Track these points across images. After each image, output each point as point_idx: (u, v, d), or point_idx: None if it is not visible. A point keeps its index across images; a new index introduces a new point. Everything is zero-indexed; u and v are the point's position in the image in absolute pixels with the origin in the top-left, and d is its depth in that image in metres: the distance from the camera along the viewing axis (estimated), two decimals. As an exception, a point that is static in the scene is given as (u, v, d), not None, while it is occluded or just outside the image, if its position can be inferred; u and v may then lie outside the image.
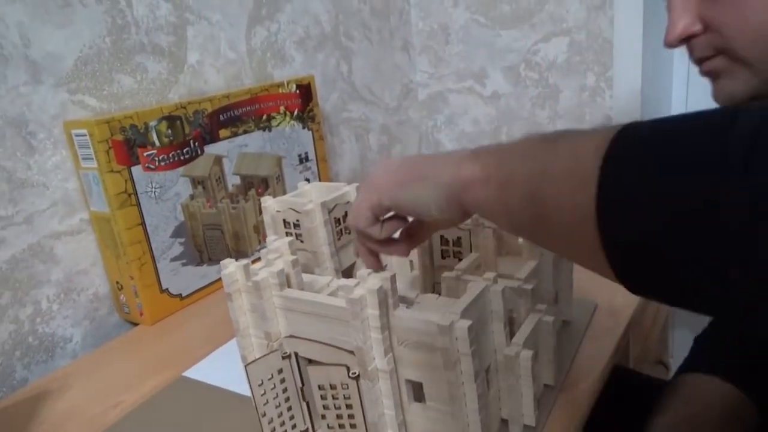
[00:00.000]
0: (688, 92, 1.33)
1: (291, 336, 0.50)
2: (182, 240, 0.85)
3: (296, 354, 0.49)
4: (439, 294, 0.60)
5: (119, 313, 0.84)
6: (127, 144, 0.76)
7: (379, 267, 0.51)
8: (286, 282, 0.50)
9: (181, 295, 0.85)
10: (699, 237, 0.27)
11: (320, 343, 0.48)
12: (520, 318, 0.54)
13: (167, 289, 0.83)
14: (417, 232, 0.52)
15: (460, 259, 0.62)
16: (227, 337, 0.73)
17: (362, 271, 0.47)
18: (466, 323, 0.42)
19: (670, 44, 0.55)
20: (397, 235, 0.51)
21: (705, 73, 0.56)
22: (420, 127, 1.54)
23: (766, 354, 0.66)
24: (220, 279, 0.90)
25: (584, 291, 0.68)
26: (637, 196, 0.30)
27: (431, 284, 0.66)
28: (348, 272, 0.69)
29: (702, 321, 0.78)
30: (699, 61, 0.55)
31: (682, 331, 1.43)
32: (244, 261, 0.54)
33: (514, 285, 0.53)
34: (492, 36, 1.36)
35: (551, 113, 1.35)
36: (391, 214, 0.49)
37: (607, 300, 0.69)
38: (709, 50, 0.53)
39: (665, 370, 1.21)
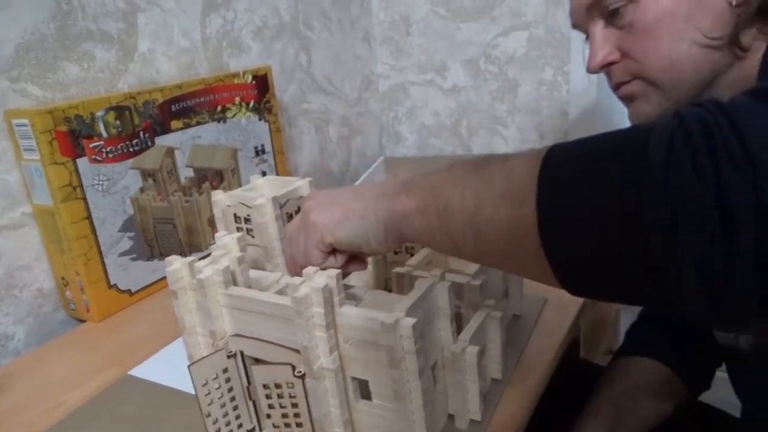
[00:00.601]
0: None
1: (236, 335, 0.49)
2: (132, 234, 0.82)
3: (242, 353, 0.49)
4: (391, 290, 0.60)
5: (65, 309, 0.81)
6: (71, 135, 0.73)
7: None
8: (231, 280, 0.49)
9: (130, 290, 0.83)
10: (628, 244, 0.30)
11: (266, 341, 0.47)
12: (468, 314, 0.54)
13: (116, 284, 0.81)
14: (361, 251, 0.53)
15: (412, 255, 0.62)
16: (176, 334, 0.71)
17: (309, 268, 0.46)
18: (410, 321, 0.42)
19: (592, 71, 0.60)
20: None
21: (622, 96, 0.61)
22: (381, 118, 1.54)
23: (692, 336, 0.70)
24: (172, 273, 0.88)
25: (534, 286, 0.68)
26: (572, 210, 0.33)
27: (384, 280, 0.66)
28: (300, 267, 0.68)
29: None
30: (617, 86, 0.61)
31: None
32: (190, 258, 0.53)
33: (462, 281, 0.53)
34: (452, 29, 1.36)
35: (510, 107, 1.36)
36: None
37: (557, 295, 0.69)
38: (626, 76, 0.59)
39: (617, 359, 1.24)
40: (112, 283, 0.80)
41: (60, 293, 0.81)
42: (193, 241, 0.91)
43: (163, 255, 0.87)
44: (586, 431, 0.65)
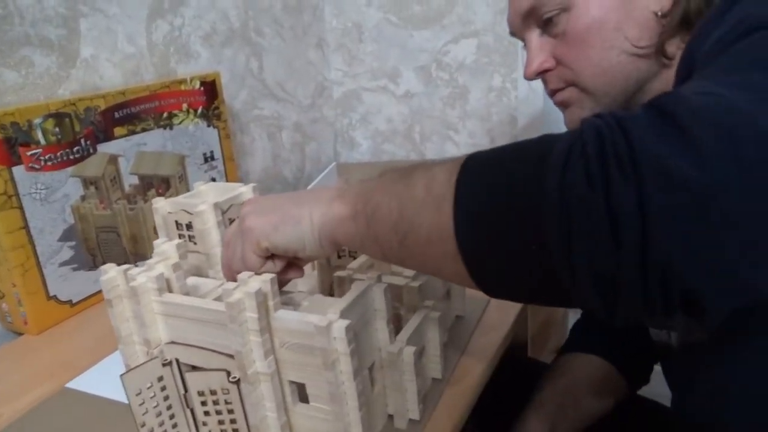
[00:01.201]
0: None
1: (172, 342, 0.49)
2: (72, 244, 0.80)
3: (178, 360, 0.48)
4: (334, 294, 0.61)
5: (1, 322, 0.79)
6: (7, 142, 0.71)
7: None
8: (166, 287, 0.49)
9: (71, 301, 0.81)
10: (531, 250, 0.33)
11: (201, 348, 0.47)
12: (408, 315, 0.55)
13: (55, 295, 0.78)
14: (299, 258, 0.53)
15: (355, 258, 0.63)
16: (116, 345, 0.70)
17: (244, 273, 0.46)
18: (344, 323, 0.42)
19: (528, 77, 0.62)
20: None
21: (557, 102, 0.63)
22: (335, 125, 1.54)
23: (631, 333, 0.73)
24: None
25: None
26: (482, 216, 0.35)
27: (329, 283, 0.66)
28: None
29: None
30: (552, 92, 0.63)
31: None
32: (125, 266, 0.52)
33: (401, 283, 0.54)
34: (404, 36, 1.38)
35: (461, 113, 1.38)
36: None
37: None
38: (561, 83, 0.61)
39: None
40: (51, 294, 0.78)
41: (-4, 306, 0.78)
42: (138, 250, 0.90)
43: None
44: (530, 425, 0.66)
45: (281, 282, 0.53)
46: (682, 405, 0.58)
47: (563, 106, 0.63)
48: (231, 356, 0.46)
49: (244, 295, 0.43)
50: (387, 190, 0.41)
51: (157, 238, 0.92)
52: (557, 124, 1.30)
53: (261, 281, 0.44)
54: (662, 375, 0.69)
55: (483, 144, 1.38)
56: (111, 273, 0.51)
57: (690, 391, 0.54)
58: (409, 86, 1.42)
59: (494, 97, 1.33)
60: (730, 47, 0.37)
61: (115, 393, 0.60)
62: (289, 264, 0.51)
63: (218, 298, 0.51)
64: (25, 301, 0.75)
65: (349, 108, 1.51)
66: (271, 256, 0.49)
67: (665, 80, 0.57)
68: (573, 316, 1.47)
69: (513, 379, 0.75)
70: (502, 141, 1.35)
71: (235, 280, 0.49)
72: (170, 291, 0.49)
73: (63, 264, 0.79)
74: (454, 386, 0.57)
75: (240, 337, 0.43)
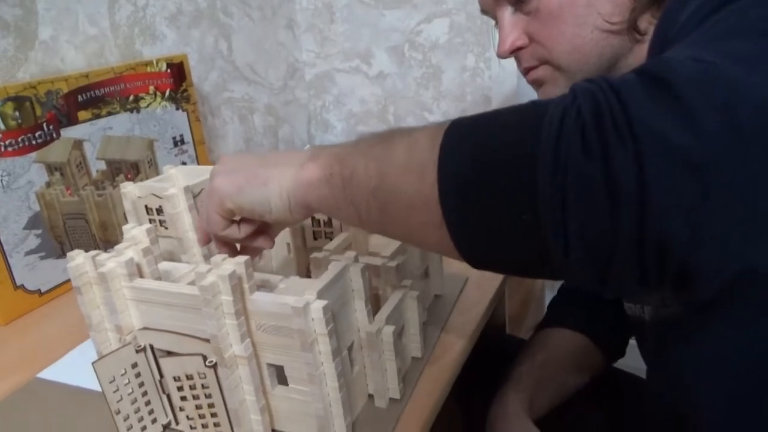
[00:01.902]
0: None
1: (145, 328, 0.47)
2: (39, 232, 0.78)
3: (152, 346, 0.47)
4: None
5: (-33, 314, 0.76)
6: (-36, 127, 0.68)
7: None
8: (136, 272, 0.47)
9: (39, 290, 0.78)
10: (521, 218, 0.32)
11: (175, 333, 0.46)
12: (386, 295, 0.55)
13: (23, 285, 0.76)
14: (269, 227, 0.52)
15: (330, 239, 0.62)
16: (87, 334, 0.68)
17: (216, 256, 0.45)
18: (321, 304, 0.42)
19: (501, 56, 0.61)
20: None
21: (531, 81, 0.62)
22: (308, 107, 1.52)
23: (607, 306, 0.74)
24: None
25: (457, 266, 0.70)
26: (469, 183, 0.34)
27: (305, 266, 0.65)
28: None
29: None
30: (526, 70, 0.62)
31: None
32: (93, 252, 0.51)
33: (378, 263, 0.54)
34: (376, 16, 1.36)
35: (435, 93, 1.37)
36: None
37: (477, 274, 0.71)
38: (534, 60, 0.60)
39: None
40: (18, 283, 0.76)
41: (-40, 298, 0.75)
42: (108, 236, 0.87)
43: (76, 252, 0.83)
44: (508, 399, 0.67)
45: (251, 252, 0.52)
46: (655, 378, 0.59)
47: (537, 84, 0.62)
48: (206, 340, 0.45)
49: (218, 278, 0.42)
50: (365, 153, 0.40)
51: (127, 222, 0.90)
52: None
53: (235, 263, 0.43)
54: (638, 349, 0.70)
55: (457, 124, 1.37)
56: (78, 259, 0.50)
57: (663, 365, 0.55)
58: (382, 67, 1.40)
59: (468, 77, 1.32)
60: (712, 16, 0.37)
61: (89, 382, 0.59)
62: (257, 231, 0.50)
63: (192, 283, 0.50)
64: (-9, 292, 0.72)
65: (322, 90, 1.49)
66: (241, 221, 0.48)
67: (638, 56, 0.57)
68: (550, 294, 1.49)
69: (492, 356, 0.76)
70: (476, 121, 1.34)
71: (208, 241, 0.48)
72: (141, 276, 0.48)
73: (29, 252, 0.77)
74: (434, 364, 0.57)
75: (215, 320, 0.42)
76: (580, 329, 0.75)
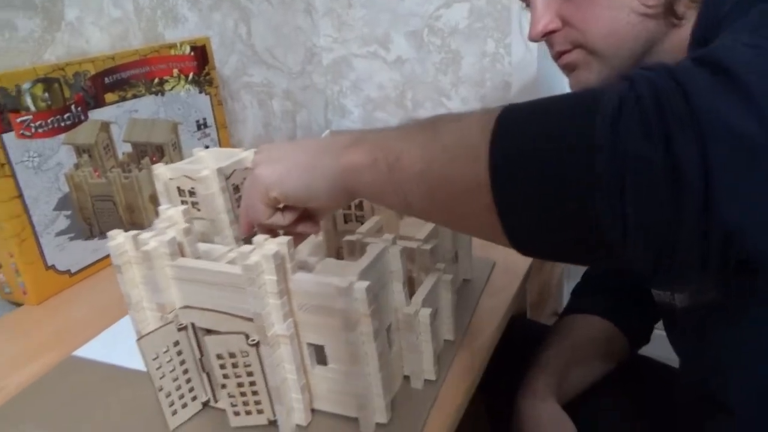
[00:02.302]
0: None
1: (186, 306, 0.48)
2: (68, 213, 0.79)
3: (193, 325, 0.48)
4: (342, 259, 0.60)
5: (-1, 293, 0.77)
6: (-4, 109, 0.69)
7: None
8: (178, 251, 0.48)
9: (69, 271, 0.79)
10: (578, 204, 0.32)
11: (217, 312, 0.46)
12: (420, 278, 0.55)
13: (53, 265, 0.77)
14: (313, 213, 0.52)
15: (362, 223, 0.62)
16: (122, 313, 0.69)
17: (259, 237, 0.45)
18: (364, 284, 0.42)
19: (533, 39, 0.60)
20: None
21: (563, 65, 0.62)
22: (325, 92, 1.52)
23: (632, 294, 0.74)
24: (113, 253, 0.85)
25: (483, 250, 0.70)
26: (523, 168, 0.33)
27: (335, 249, 0.66)
28: (247, 241, 0.67)
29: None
30: (558, 54, 0.61)
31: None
32: (133, 231, 0.51)
33: (413, 246, 0.54)
34: (395, 0, 1.35)
35: (454, 78, 1.37)
36: None
37: (504, 258, 0.72)
38: (567, 44, 0.59)
39: (560, 321, 1.30)
40: (49, 264, 0.77)
41: (-8, 277, 0.76)
42: (135, 219, 0.88)
43: (103, 234, 0.84)
44: (537, 384, 0.67)
45: (295, 237, 0.52)
46: (688, 364, 0.59)
47: (569, 69, 0.62)
48: (248, 319, 0.45)
49: (261, 258, 0.42)
50: (410, 138, 0.40)
51: (153, 207, 0.91)
52: (551, 89, 1.30)
53: (278, 244, 0.43)
54: (665, 338, 0.70)
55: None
56: (119, 239, 0.50)
57: (698, 350, 0.55)
58: (401, 52, 1.40)
59: (488, 62, 1.32)
60: (759, 3, 0.37)
61: (123, 360, 0.60)
62: (301, 217, 0.50)
63: (231, 262, 0.50)
64: (23, 271, 0.73)
65: (340, 75, 1.49)
66: (283, 208, 0.48)
67: (674, 41, 0.56)
68: (567, 282, 1.49)
69: (514, 341, 0.76)
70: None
71: (250, 231, 0.49)
72: (183, 255, 0.49)
73: (59, 233, 0.78)
74: (466, 347, 0.57)
75: (259, 300, 0.43)
76: (606, 316, 0.76)
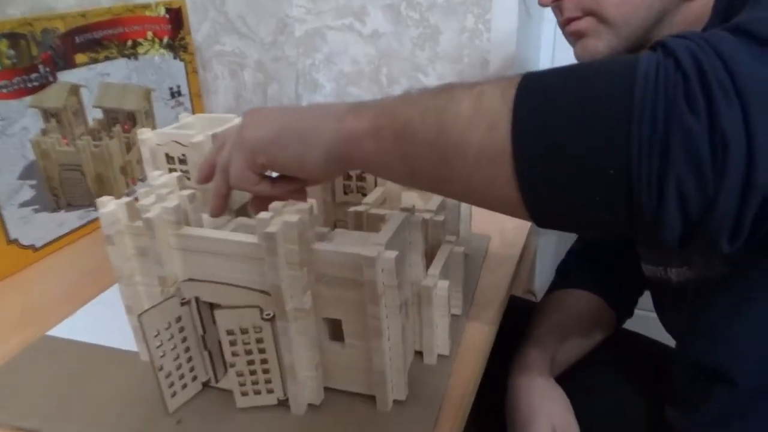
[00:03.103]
0: (556, 38, 1.40)
1: (190, 279, 0.44)
2: (34, 182, 0.73)
3: (197, 299, 0.44)
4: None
5: (-43, 269, 0.71)
6: (-46, 64, 0.62)
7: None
8: (184, 219, 0.44)
9: (34, 246, 0.73)
10: (611, 170, 0.31)
11: (226, 284, 0.43)
12: (431, 250, 0.53)
13: (16, 239, 0.71)
14: (301, 182, 0.49)
15: (363, 194, 0.60)
16: (97, 290, 0.65)
17: (275, 203, 0.42)
18: (392, 254, 0.40)
19: (544, 4, 0.60)
20: None
21: (572, 32, 0.61)
22: (297, 65, 1.46)
23: (617, 267, 0.75)
24: (81, 227, 0.79)
25: (478, 226, 0.69)
26: (551, 135, 0.32)
27: (332, 222, 0.63)
28: (242, 211, 0.63)
29: (561, 253, 0.86)
30: (567, 21, 0.60)
31: (545, 266, 1.55)
32: (125, 200, 0.47)
33: (426, 216, 0.52)
34: (372, -29, 1.31)
35: (431, 54, 1.34)
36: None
37: (500, 233, 0.71)
38: (578, 11, 0.58)
39: (534, 297, 1.31)
40: (12, 237, 0.70)
41: (-52, 251, 0.70)
42: (103, 190, 0.82)
43: (70, 206, 0.78)
44: (531, 358, 0.67)
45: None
46: (685, 338, 0.60)
47: (577, 36, 0.61)
48: (261, 292, 0.42)
49: (283, 226, 0.39)
50: (420, 105, 0.37)
51: (123, 178, 0.85)
52: (529, 67, 1.30)
53: (299, 211, 0.41)
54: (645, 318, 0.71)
55: (453, 88, 1.35)
56: (110, 206, 0.46)
57: (696, 324, 0.56)
58: (377, 25, 1.36)
59: (466, 38, 1.30)
60: None
61: (103, 339, 0.56)
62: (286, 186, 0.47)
63: (236, 230, 0.47)
64: (-14, 245, 0.67)
65: (312, 48, 1.44)
66: (277, 177, 0.45)
67: (686, 14, 0.56)
68: (539, 260, 1.51)
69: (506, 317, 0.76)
70: (472, 85, 1.33)
71: (205, 181, 0.45)
72: (186, 224, 0.45)
73: (24, 205, 0.72)
74: (474, 322, 0.56)
75: (277, 271, 0.40)
76: (594, 290, 0.76)
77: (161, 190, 0.46)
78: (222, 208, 0.47)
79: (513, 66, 1.28)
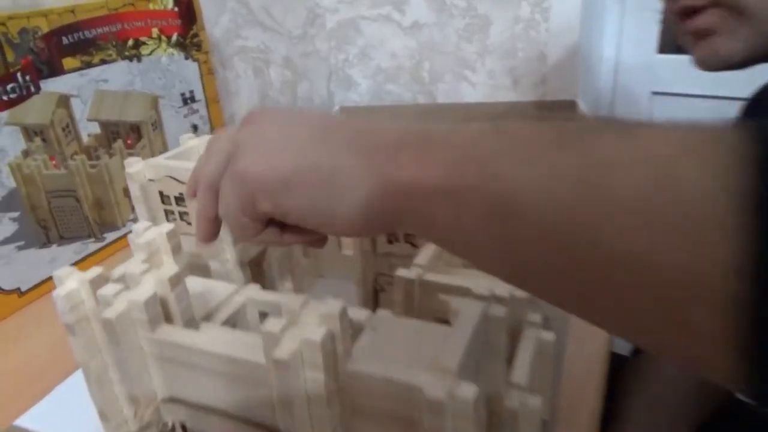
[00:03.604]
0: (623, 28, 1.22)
1: (172, 399, 0.31)
2: (15, 215, 0.61)
3: (183, 427, 0.31)
4: (383, 290, 0.44)
5: (-77, 321, 0.60)
6: None
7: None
8: (161, 313, 0.31)
9: (19, 290, 0.62)
10: None
11: (222, 413, 0.30)
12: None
13: (-4, 284, 0.60)
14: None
15: (413, 245, 0.46)
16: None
17: (289, 297, 0.28)
18: (470, 391, 0.26)
19: None
20: None
21: (694, 30, 0.46)
22: (329, 60, 1.32)
23: None
24: (77, 262, 0.67)
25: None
26: None
27: (372, 276, 0.49)
28: (257, 263, 0.50)
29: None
30: (687, 13, 0.45)
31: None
32: (92, 272, 0.34)
33: (504, 295, 0.37)
34: (413, -47, 1.16)
35: (479, 48, 1.19)
36: None
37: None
38: (704, 0, 0.43)
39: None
40: (-10, 281, 0.59)
41: None
42: (105, 218, 0.70)
43: (64, 239, 0.66)
44: None
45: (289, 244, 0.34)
46: None
47: (699, 35, 0.45)
48: (267, 429, 0.29)
49: (301, 345, 0.25)
50: (535, 160, 0.21)
51: (128, 201, 0.73)
52: (594, 62, 1.13)
53: (325, 316, 0.27)
54: None
55: (505, 85, 1.20)
56: (69, 283, 0.33)
57: None
58: (418, 15, 1.21)
59: (521, 29, 1.14)
60: None
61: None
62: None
63: (236, 313, 0.33)
64: (-48, 296, 0.56)
65: (346, 41, 1.29)
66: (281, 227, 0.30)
67: None
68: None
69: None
70: (527, 81, 1.17)
71: (212, 238, 0.31)
72: (168, 320, 0.31)
73: (4, 242, 0.60)
74: (567, 426, 0.41)
75: (292, 409, 0.26)
76: None
77: (134, 268, 0.32)
78: (212, 233, 0.32)
79: (575, 60, 1.12)
